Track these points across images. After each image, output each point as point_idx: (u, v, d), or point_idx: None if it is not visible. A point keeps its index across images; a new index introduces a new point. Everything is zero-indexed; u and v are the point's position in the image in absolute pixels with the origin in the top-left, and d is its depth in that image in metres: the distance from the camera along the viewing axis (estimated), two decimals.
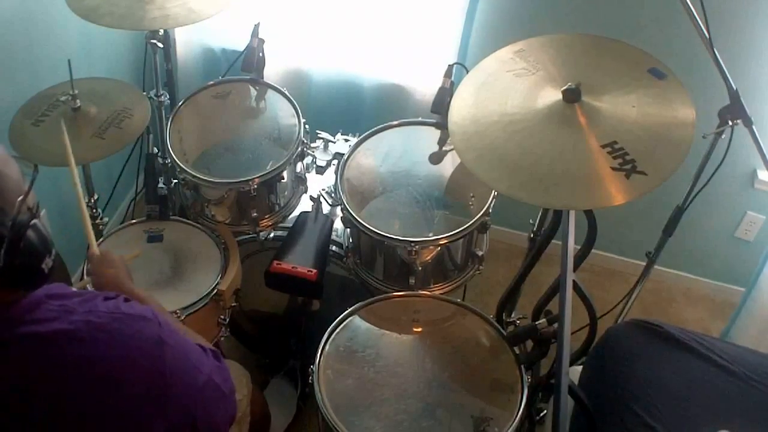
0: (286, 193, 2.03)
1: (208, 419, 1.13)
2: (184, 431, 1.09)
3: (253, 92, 2.15)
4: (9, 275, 0.96)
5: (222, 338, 1.94)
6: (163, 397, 1.05)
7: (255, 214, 1.96)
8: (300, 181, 2.07)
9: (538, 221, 2.02)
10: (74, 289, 1.11)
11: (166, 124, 2.02)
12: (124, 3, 1.85)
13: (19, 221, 0.96)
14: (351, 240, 1.95)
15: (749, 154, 2.16)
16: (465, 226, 1.79)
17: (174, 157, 1.94)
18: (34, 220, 0.99)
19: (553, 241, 1.73)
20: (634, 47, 1.56)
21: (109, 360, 1.02)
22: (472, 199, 1.88)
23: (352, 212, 1.83)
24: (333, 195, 2.04)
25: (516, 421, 1.53)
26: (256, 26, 2.09)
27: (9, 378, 0.99)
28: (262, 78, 2.14)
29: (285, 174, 1.95)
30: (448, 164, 1.99)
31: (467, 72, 1.66)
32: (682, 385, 1.75)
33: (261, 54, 2.11)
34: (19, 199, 0.98)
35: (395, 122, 2.05)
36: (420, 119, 2.06)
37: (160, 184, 2.03)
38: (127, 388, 1.03)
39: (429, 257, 1.85)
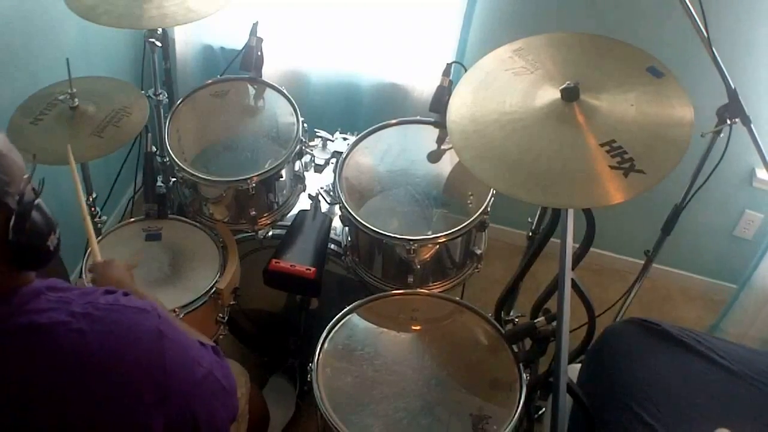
0: (284, 191, 2.03)
1: (208, 414, 1.13)
2: (185, 427, 1.09)
3: (252, 91, 2.15)
4: (17, 253, 0.98)
5: (221, 337, 1.94)
6: (162, 388, 1.05)
7: (253, 213, 1.96)
8: (298, 180, 2.07)
9: (536, 220, 2.02)
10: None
11: (165, 123, 2.02)
12: (122, 2, 1.84)
13: (26, 199, 1.00)
14: (349, 238, 1.95)
15: (747, 153, 2.17)
16: (463, 225, 1.79)
17: (172, 155, 1.94)
18: (38, 200, 1.02)
19: (551, 239, 1.73)
20: (632, 46, 1.56)
21: (108, 351, 1.03)
22: (471, 197, 1.88)
23: (350, 211, 1.83)
24: (331, 193, 2.04)
25: (514, 419, 1.53)
26: (255, 25, 2.09)
27: (9, 368, 1.00)
28: (261, 77, 2.14)
29: (283, 172, 1.96)
30: (447, 163, 1.99)
31: (465, 71, 1.66)
32: (680, 383, 1.75)
33: (259, 53, 2.11)
34: (25, 176, 1.01)
35: (393, 121, 2.05)
36: (418, 118, 2.06)
37: (159, 183, 2.03)
38: (126, 378, 1.03)
39: (427, 255, 1.85)
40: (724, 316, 2.48)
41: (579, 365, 1.95)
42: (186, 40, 2.56)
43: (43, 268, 1.04)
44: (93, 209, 2.04)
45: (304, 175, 2.09)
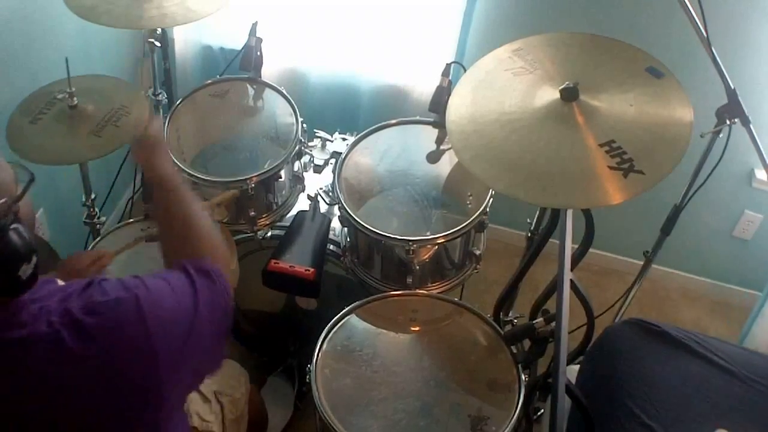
0: (283, 192, 2.03)
1: (204, 360, 1.15)
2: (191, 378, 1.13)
3: (251, 91, 2.15)
4: None
5: None
6: (155, 379, 1.04)
7: (252, 213, 1.96)
8: (297, 180, 2.07)
9: (535, 220, 2.02)
10: (59, 282, 1.09)
11: (164, 123, 2.02)
12: (122, 2, 1.85)
13: (1, 224, 0.95)
14: (348, 239, 1.95)
15: (747, 153, 2.17)
16: (462, 225, 1.79)
17: (172, 155, 1.92)
18: (16, 225, 0.97)
19: (550, 240, 1.73)
20: (631, 46, 1.56)
21: (95, 354, 1.00)
22: (470, 198, 1.88)
23: (349, 211, 1.83)
24: (330, 194, 2.04)
25: (513, 420, 1.53)
26: (254, 25, 2.09)
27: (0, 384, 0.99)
28: (260, 77, 2.14)
29: (282, 173, 1.95)
30: (446, 163, 1.99)
31: (465, 71, 1.66)
32: (679, 384, 1.75)
33: (259, 53, 2.10)
34: (2, 201, 0.96)
35: (393, 121, 2.05)
36: (418, 118, 2.06)
37: None
38: (120, 378, 1.02)
39: (426, 256, 1.85)
40: (750, 328, 2.43)
41: (578, 366, 1.95)
42: (186, 40, 2.56)
43: (13, 297, 0.99)
44: (92, 210, 2.04)
45: (303, 176, 2.08)
